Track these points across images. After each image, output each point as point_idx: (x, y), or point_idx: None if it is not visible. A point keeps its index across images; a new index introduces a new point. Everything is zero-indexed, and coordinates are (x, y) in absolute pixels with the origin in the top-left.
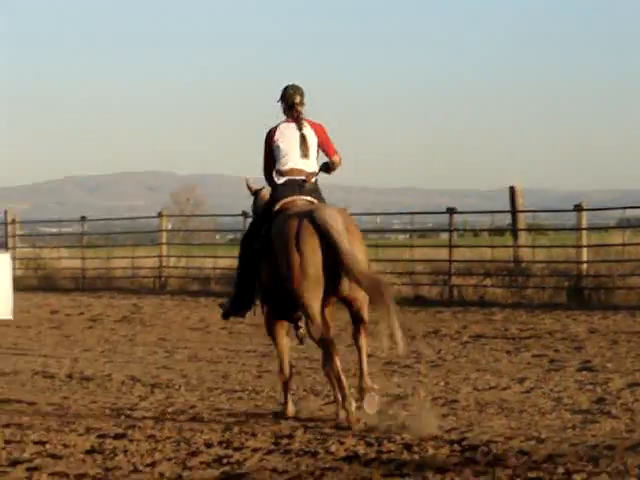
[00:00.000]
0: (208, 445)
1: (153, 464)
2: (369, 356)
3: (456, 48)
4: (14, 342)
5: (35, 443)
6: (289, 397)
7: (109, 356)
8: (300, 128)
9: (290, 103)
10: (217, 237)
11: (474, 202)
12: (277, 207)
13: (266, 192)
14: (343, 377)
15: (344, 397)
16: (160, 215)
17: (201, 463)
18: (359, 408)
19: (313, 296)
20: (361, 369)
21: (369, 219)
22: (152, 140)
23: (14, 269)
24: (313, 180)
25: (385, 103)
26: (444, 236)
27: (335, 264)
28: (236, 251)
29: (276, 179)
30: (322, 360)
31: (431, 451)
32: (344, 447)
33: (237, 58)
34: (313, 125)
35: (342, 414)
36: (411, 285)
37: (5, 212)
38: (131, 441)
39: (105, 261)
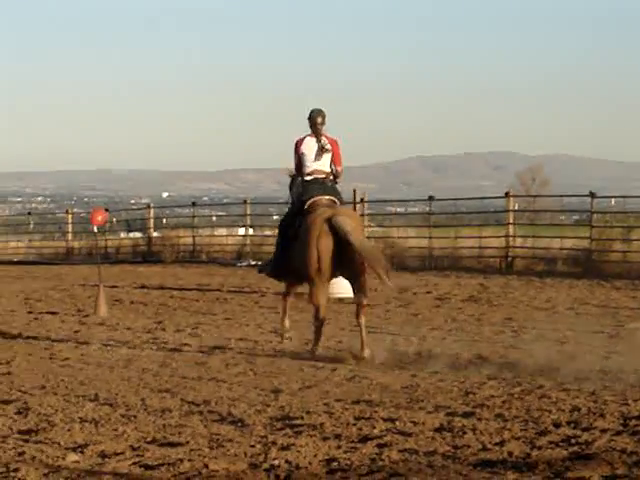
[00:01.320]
0: (556, 425)
1: (502, 443)
2: None
3: None
4: None
5: (385, 420)
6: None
7: (456, 335)
8: (319, 141)
9: (313, 122)
10: (562, 217)
11: None
12: (307, 205)
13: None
14: (321, 333)
15: (315, 342)
16: (507, 195)
17: (549, 443)
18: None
19: (320, 282)
20: (361, 336)
21: None
22: (499, 121)
23: None
24: (331, 178)
25: None
26: None
27: (343, 255)
28: (581, 232)
29: (304, 177)
30: (313, 320)
31: None
32: None
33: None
34: (329, 140)
35: (313, 350)
36: None
37: (354, 191)
38: (479, 420)
39: (452, 240)
